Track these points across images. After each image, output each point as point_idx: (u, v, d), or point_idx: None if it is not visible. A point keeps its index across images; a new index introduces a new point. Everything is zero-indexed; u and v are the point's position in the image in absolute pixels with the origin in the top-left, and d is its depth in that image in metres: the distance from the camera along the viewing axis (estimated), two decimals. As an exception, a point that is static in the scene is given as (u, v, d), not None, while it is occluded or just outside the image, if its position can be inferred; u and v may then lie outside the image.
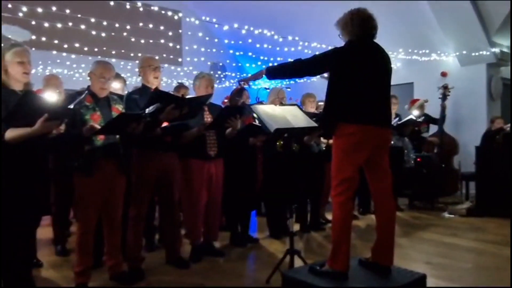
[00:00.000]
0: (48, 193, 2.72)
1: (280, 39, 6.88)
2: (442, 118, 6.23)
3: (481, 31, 6.50)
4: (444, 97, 6.28)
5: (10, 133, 2.27)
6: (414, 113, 5.96)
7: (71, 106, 2.46)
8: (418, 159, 5.98)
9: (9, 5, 4.93)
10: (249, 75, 2.81)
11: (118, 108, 2.98)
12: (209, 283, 3.06)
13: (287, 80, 7.44)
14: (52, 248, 3.88)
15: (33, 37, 5.70)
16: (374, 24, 2.53)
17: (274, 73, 2.66)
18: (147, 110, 2.77)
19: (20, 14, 4.83)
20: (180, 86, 4.77)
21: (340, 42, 2.59)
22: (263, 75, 2.68)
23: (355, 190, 2.49)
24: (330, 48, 2.60)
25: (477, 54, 6.81)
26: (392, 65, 2.67)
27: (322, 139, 4.55)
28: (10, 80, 2.42)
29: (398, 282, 2.39)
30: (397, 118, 5.76)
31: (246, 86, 4.09)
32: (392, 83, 2.62)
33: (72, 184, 2.88)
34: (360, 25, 2.47)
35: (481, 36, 6.55)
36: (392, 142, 5.61)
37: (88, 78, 2.97)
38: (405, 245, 4.04)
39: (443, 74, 7.39)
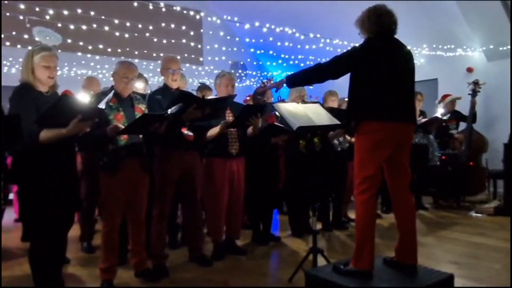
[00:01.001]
0: (79, 190, 2.78)
1: (302, 37, 6.83)
2: (472, 115, 6.04)
3: (508, 25, 6.29)
4: (474, 93, 6.09)
5: (45, 134, 2.34)
6: (440, 111, 5.82)
7: (102, 106, 2.51)
8: (443, 157, 5.85)
9: (37, 8, 5.07)
10: (271, 83, 2.79)
11: (141, 108, 3.03)
12: (232, 281, 3.08)
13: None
14: (78, 245, 3.98)
15: (69, 40, 5.85)
16: (393, 19, 2.48)
17: (294, 80, 2.65)
18: (169, 111, 2.80)
19: (47, 17, 4.97)
20: (203, 87, 4.80)
21: (362, 39, 2.56)
22: (284, 84, 2.66)
23: (378, 188, 2.46)
24: (352, 45, 2.57)
25: (504, 48, 6.59)
26: (416, 61, 2.61)
27: (347, 136, 4.51)
28: (36, 81, 2.49)
29: (425, 282, 2.35)
30: (421, 116, 5.65)
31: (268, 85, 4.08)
32: (416, 79, 2.57)
33: (98, 183, 2.95)
34: (377, 22, 2.44)
35: (509, 30, 6.34)
36: (416, 140, 5.51)
37: (112, 78, 3.02)
38: (431, 245, 3.96)
39: (469, 70, 7.19)
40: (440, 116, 5.60)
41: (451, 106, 6.08)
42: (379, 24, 2.43)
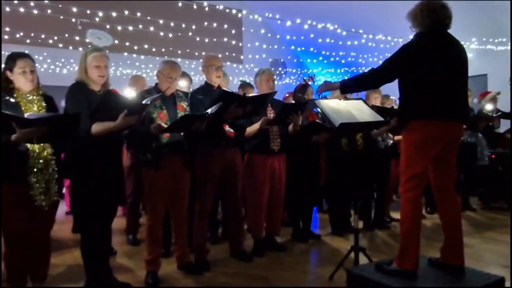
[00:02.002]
0: (123, 185, 2.91)
1: (344, 33, 6.73)
2: None
3: None
4: (524, 89, 5.74)
5: (96, 127, 2.47)
6: (488, 107, 5.54)
7: (147, 102, 2.61)
8: (493, 156, 5.57)
9: (88, 11, 5.33)
10: (322, 85, 2.76)
11: (183, 106, 3.11)
12: (272, 277, 3.10)
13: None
14: (124, 237, 4.15)
15: (116, 41, 6.12)
16: (447, 14, 2.39)
17: (349, 87, 2.61)
18: (210, 110, 2.87)
19: (97, 19, 5.21)
20: (244, 84, 4.85)
21: (407, 33, 2.49)
22: (337, 89, 2.64)
23: (425, 186, 2.40)
24: (395, 40, 2.51)
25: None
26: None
27: (389, 134, 4.40)
28: (89, 80, 2.62)
29: (473, 284, 2.26)
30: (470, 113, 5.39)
31: (310, 82, 4.07)
32: (465, 75, 2.47)
33: (142, 178, 3.06)
34: (430, 16, 2.36)
35: None
36: (464, 138, 5.28)
37: (156, 77, 3.12)
38: (479, 247, 3.79)
39: (522, 64, 6.79)
40: (486, 112, 5.32)
41: (493, 103, 5.75)
42: (432, 18, 2.35)
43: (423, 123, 2.31)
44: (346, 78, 2.65)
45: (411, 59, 2.35)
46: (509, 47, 6.74)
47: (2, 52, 2.90)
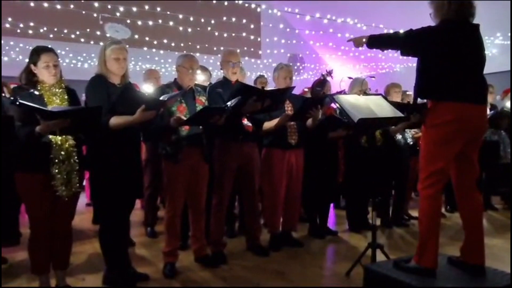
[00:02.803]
0: (142, 178, 2.95)
1: (364, 27, 6.64)
2: None
3: None
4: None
5: (114, 120, 2.51)
6: (507, 104, 5.38)
7: (164, 98, 2.64)
8: (517, 155, 5.41)
9: (109, 6, 5.41)
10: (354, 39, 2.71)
11: (202, 100, 3.13)
12: (288, 272, 3.10)
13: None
14: (142, 230, 4.21)
15: (136, 36, 6.21)
16: (473, 11, 2.34)
17: (375, 41, 2.57)
18: (229, 103, 2.87)
19: (118, 14, 5.29)
20: (259, 77, 4.85)
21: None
22: (365, 43, 2.60)
23: (445, 183, 2.35)
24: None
25: None
26: (487, 52, 2.45)
27: (411, 131, 4.33)
28: (109, 73, 2.66)
29: (494, 284, 2.21)
30: (493, 110, 5.25)
31: (328, 78, 4.04)
32: (487, 71, 2.41)
33: (161, 171, 3.10)
34: (457, 10, 2.30)
35: None
36: (485, 136, 5.15)
37: (175, 72, 3.14)
38: (501, 247, 3.70)
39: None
40: (507, 110, 5.17)
41: None
42: (458, 13, 2.30)
43: (444, 114, 2.25)
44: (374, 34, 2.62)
45: (433, 40, 2.31)
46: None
47: (27, 47, 2.96)
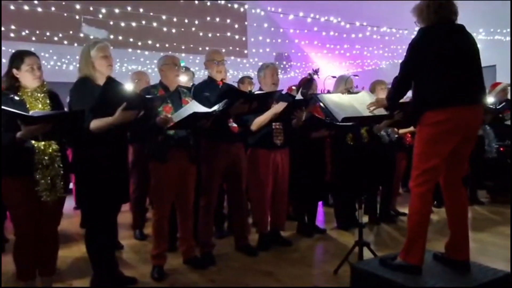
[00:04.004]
0: (128, 182, 2.92)
1: (347, 26, 6.68)
2: None
3: None
4: (534, 80, 5.65)
5: (94, 124, 2.46)
6: (490, 100, 5.47)
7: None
8: (501, 149, 5.50)
9: (91, 8, 5.36)
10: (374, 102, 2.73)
11: (188, 100, 3.11)
12: (277, 271, 3.11)
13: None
14: (131, 232, 4.18)
15: (111, 36, 6.15)
16: (454, 9, 2.35)
17: (392, 100, 2.60)
18: (216, 107, 2.87)
19: (100, 16, 5.23)
20: (246, 77, 4.84)
21: (412, 25, 2.45)
22: (385, 106, 2.65)
23: (437, 181, 2.37)
24: (400, 32, 2.48)
25: None
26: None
27: (395, 129, 4.37)
28: (96, 74, 2.62)
29: (479, 280, 2.23)
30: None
31: (315, 76, 4.05)
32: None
33: (148, 173, 3.07)
34: (437, 11, 2.32)
35: None
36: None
37: (159, 72, 3.11)
38: (486, 241, 3.77)
39: (531, 55, 6.69)
40: (488, 106, 5.26)
41: (503, 95, 5.65)
42: (439, 13, 2.31)
43: (438, 113, 2.26)
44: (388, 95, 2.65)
45: (421, 56, 2.31)
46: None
47: (9, 50, 2.91)
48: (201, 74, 7.12)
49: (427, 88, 2.31)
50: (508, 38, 6.74)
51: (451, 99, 2.26)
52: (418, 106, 2.37)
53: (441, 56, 2.28)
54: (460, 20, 2.42)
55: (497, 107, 5.43)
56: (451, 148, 2.31)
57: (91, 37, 4.86)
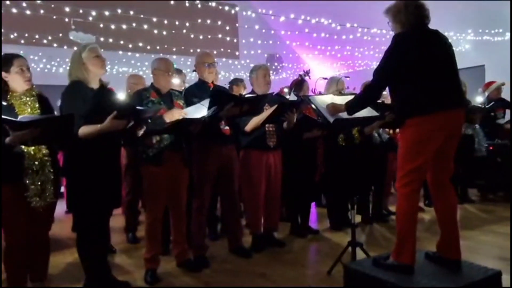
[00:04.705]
0: (120, 186, 2.90)
1: (338, 27, 6.71)
2: None
3: None
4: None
5: (82, 130, 2.42)
6: (478, 100, 5.54)
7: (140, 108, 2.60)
8: (491, 147, 5.57)
9: (81, 10, 5.31)
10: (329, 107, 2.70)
11: (180, 103, 3.11)
12: (271, 272, 3.11)
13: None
14: (124, 236, 4.15)
15: (102, 39, 6.10)
16: (427, 13, 2.38)
17: (353, 107, 2.59)
18: (206, 113, 2.87)
19: (90, 18, 5.20)
20: (237, 79, 4.83)
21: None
22: (343, 111, 2.62)
23: (423, 181, 2.39)
24: (391, 33, 2.49)
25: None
26: (460, 48, 2.51)
27: (386, 130, 4.40)
28: (90, 76, 2.59)
29: (470, 278, 2.25)
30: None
31: (306, 77, 4.06)
32: (460, 66, 2.46)
33: (141, 176, 3.06)
34: (414, 13, 2.33)
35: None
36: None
37: (152, 75, 3.10)
38: (477, 239, 3.80)
39: (519, 55, 6.78)
40: (477, 105, 5.33)
41: (496, 94, 5.74)
42: (416, 15, 2.33)
43: (421, 119, 2.28)
44: (349, 100, 2.63)
45: (401, 62, 2.32)
46: (506, 38, 6.72)
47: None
48: (193, 76, 7.11)
49: (409, 95, 2.33)
50: (497, 38, 6.81)
51: (436, 105, 2.28)
52: (402, 112, 2.38)
53: (421, 63, 2.29)
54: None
55: (487, 107, 5.50)
56: (435, 148, 2.33)
57: (79, 41, 4.82)
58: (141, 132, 2.70)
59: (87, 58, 2.58)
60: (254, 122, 3.38)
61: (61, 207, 5.31)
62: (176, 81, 3.86)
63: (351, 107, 2.58)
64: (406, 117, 2.34)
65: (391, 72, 2.37)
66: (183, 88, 3.83)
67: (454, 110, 2.33)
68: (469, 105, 5.16)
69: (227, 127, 3.33)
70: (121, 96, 3.95)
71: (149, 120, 2.76)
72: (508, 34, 6.68)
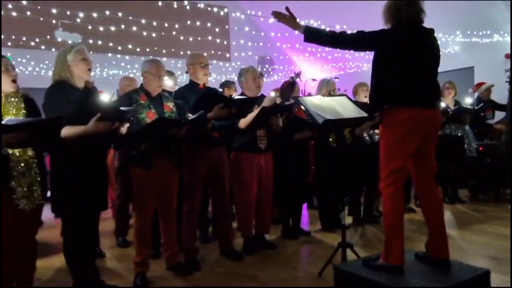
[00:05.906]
0: (107, 189, 2.87)
1: (328, 29, 6.72)
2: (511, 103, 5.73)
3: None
4: (512, 80, 5.78)
5: (64, 131, 2.37)
6: (466, 101, 5.60)
7: (128, 108, 2.57)
8: (480, 148, 5.62)
9: (68, 12, 5.26)
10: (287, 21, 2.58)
11: (170, 106, 3.07)
12: (262, 275, 3.09)
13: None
14: (114, 239, 4.11)
15: (90, 41, 6.05)
16: (420, 7, 2.40)
17: (312, 34, 2.47)
18: (189, 116, 2.84)
19: (78, 20, 5.15)
20: (229, 82, 4.82)
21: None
22: (300, 32, 2.49)
23: (406, 180, 2.41)
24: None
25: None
26: (450, 49, 2.53)
27: (376, 130, 4.41)
28: (74, 78, 2.56)
29: (459, 278, 2.26)
30: (456, 107, 5.43)
31: (297, 79, 4.05)
32: (450, 68, 2.49)
33: (131, 180, 3.02)
34: (406, 10, 2.36)
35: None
36: (447, 131, 5.33)
37: (142, 77, 3.07)
38: (468, 239, 3.82)
39: (507, 56, 6.85)
40: (466, 107, 5.38)
41: (487, 95, 5.81)
42: (408, 12, 2.35)
43: (400, 114, 2.31)
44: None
45: (384, 41, 2.35)
46: (494, 40, 6.80)
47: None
48: (184, 78, 7.08)
49: (392, 83, 2.35)
50: (485, 40, 6.88)
51: (416, 99, 2.32)
52: (376, 99, 2.41)
53: (410, 56, 2.32)
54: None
55: (476, 108, 5.55)
56: (415, 147, 2.37)
57: (68, 41, 4.77)
58: (124, 130, 2.66)
59: (73, 61, 2.55)
60: (246, 118, 3.35)
61: (50, 211, 5.27)
62: (169, 83, 3.83)
63: (311, 31, 2.47)
64: (379, 103, 2.37)
65: (371, 41, 2.38)
66: (174, 90, 3.80)
67: (427, 109, 2.36)
68: (447, 108, 5.21)
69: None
70: (108, 98, 3.93)
71: (131, 118, 2.72)
72: (496, 36, 6.76)
